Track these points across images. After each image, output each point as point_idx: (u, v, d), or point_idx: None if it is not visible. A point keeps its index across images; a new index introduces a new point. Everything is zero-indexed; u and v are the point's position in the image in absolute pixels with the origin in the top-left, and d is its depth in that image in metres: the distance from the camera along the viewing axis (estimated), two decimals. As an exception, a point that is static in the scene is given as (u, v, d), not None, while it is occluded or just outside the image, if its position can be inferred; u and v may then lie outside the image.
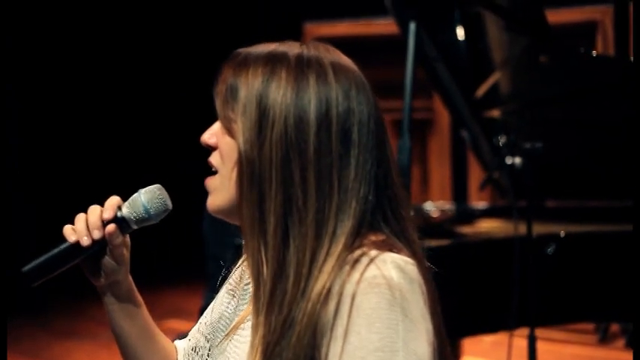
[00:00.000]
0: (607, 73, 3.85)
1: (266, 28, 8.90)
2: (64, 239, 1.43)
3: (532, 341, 3.41)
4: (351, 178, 1.31)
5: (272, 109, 1.31)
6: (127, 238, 1.48)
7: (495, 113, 4.60)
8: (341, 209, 1.30)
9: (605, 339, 6.60)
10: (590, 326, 6.63)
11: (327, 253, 1.28)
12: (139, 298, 1.56)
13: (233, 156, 1.36)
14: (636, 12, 2.88)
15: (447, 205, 5.93)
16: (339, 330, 1.24)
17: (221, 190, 1.39)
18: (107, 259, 1.46)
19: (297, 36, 8.75)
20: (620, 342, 6.55)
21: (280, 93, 1.32)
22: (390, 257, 1.28)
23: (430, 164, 8.72)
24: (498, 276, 3.44)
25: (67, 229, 1.43)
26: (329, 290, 1.26)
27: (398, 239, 1.35)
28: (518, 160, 3.57)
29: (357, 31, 8.40)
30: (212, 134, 1.41)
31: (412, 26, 3.72)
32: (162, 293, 8.70)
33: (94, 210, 1.44)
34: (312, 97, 1.32)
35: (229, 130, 1.37)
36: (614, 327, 6.72)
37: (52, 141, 9.02)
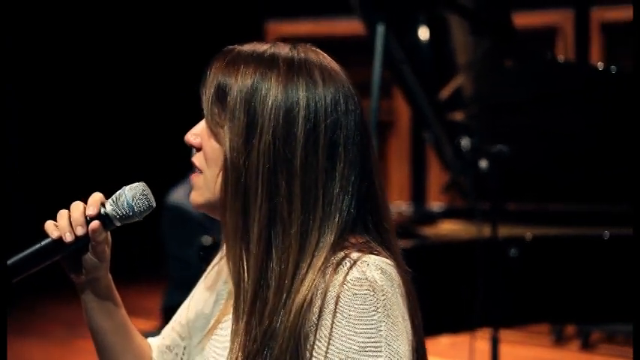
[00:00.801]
0: (572, 79, 3.89)
1: (227, 27, 8.87)
2: (45, 235, 1.40)
3: (495, 342, 3.44)
4: (336, 191, 1.32)
5: (260, 119, 1.31)
6: (109, 235, 1.46)
7: (459, 116, 4.62)
8: (324, 222, 1.31)
9: (560, 341, 6.67)
10: (546, 328, 6.69)
11: (309, 266, 1.29)
12: (117, 295, 1.54)
13: (217, 160, 1.35)
14: (636, 13, 2.89)
15: (404, 207, 5.95)
16: (324, 331, 1.25)
17: (205, 190, 1.38)
18: (88, 256, 1.43)
19: (258, 35, 8.74)
20: (576, 344, 6.62)
21: (269, 103, 1.31)
22: (372, 259, 1.29)
23: (389, 165, 8.75)
24: (462, 277, 3.46)
25: (49, 225, 1.40)
26: (312, 297, 1.27)
27: (377, 244, 1.35)
28: (484, 162, 3.59)
29: (319, 30, 8.41)
30: (196, 135, 1.40)
31: (380, 29, 3.72)
32: (119, 292, 8.66)
33: (77, 206, 1.41)
34: (301, 109, 1.31)
35: (215, 133, 1.36)
36: (570, 329, 6.78)
37: (52, 141, 9.00)
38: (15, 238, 7.84)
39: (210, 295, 1.56)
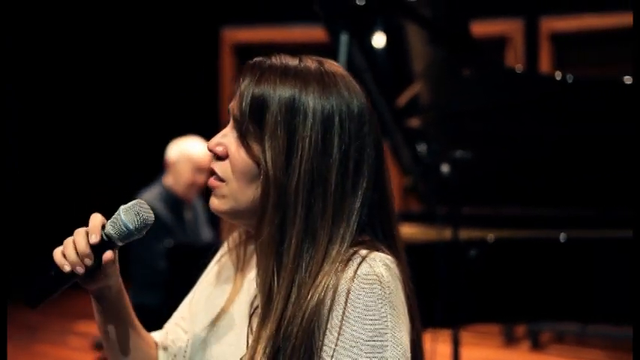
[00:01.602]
0: (529, 88, 4.01)
1: (183, 33, 8.91)
2: (55, 264, 1.47)
3: (456, 343, 3.55)
4: (357, 205, 1.42)
5: (301, 138, 1.39)
6: (116, 253, 1.52)
7: (415, 122, 4.73)
8: (346, 234, 1.41)
9: (510, 341, 6.82)
10: (496, 329, 6.83)
11: (327, 273, 1.39)
12: (127, 297, 1.62)
13: (248, 173, 1.42)
14: (636, 16, 3.00)
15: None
16: (335, 322, 1.35)
17: (229, 200, 1.46)
18: (100, 273, 1.51)
19: (214, 41, 8.79)
20: (526, 344, 6.78)
21: (309, 123, 1.39)
22: (379, 256, 1.40)
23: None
24: (422, 280, 3.55)
25: (59, 257, 1.47)
26: (324, 295, 1.37)
27: (381, 244, 1.46)
28: (445, 167, 3.70)
29: (275, 36, 8.48)
30: (221, 144, 1.46)
31: (344, 37, 3.81)
32: (71, 296, 8.63)
33: (81, 236, 1.47)
34: (336, 132, 1.40)
35: (248, 146, 1.42)
36: (520, 330, 6.94)
37: (51, 141, 8.99)
38: (15, 238, 7.85)
39: (212, 291, 1.64)
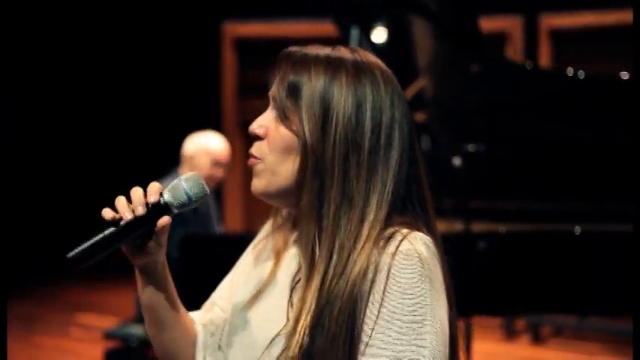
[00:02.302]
0: (538, 85, 4.04)
1: (184, 28, 8.94)
2: (104, 224, 1.48)
3: (468, 333, 3.60)
4: (391, 174, 1.51)
5: (335, 110, 1.49)
6: (167, 218, 1.55)
7: (420, 117, 4.77)
8: (380, 202, 1.49)
9: (511, 335, 6.87)
10: (496, 322, 6.88)
11: (366, 239, 1.46)
12: (169, 273, 1.66)
13: (285, 147, 1.52)
14: (636, 17, 3.04)
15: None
16: (376, 296, 1.42)
17: (265, 177, 1.54)
18: (152, 243, 1.55)
19: (215, 35, 8.82)
20: (526, 338, 6.84)
21: (342, 97, 1.50)
22: (419, 235, 1.47)
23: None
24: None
25: (108, 211, 1.49)
26: (366, 268, 1.44)
27: (421, 224, 1.53)
28: (457, 160, 3.75)
29: (274, 31, 8.51)
30: (261, 126, 1.55)
31: (355, 32, 3.86)
32: (70, 288, 8.67)
33: (137, 190, 1.52)
34: (367, 105, 1.50)
35: (286, 123, 1.52)
36: (520, 323, 6.99)
37: (51, 141, 9.03)
38: (15, 238, 7.88)
39: (250, 272, 1.69)
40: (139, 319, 4.70)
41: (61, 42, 8.95)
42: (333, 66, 1.51)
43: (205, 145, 4.92)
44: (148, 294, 1.64)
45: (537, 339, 6.72)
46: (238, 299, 1.66)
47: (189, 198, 1.53)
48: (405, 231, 1.47)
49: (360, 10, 4.09)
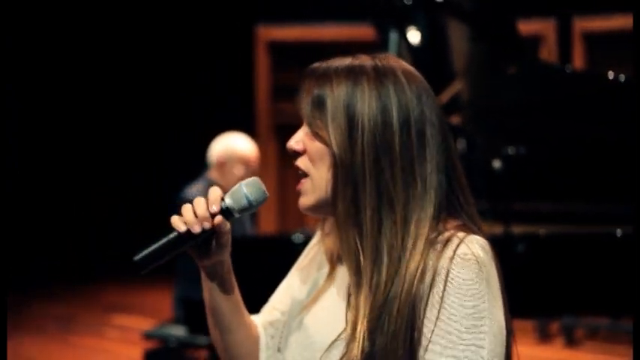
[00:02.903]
0: (576, 87, 4.06)
1: (217, 31, 8.99)
2: (171, 229, 1.56)
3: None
4: (428, 171, 1.52)
5: (360, 117, 1.51)
6: (228, 224, 1.61)
7: (455, 119, 4.79)
8: (423, 199, 1.51)
9: (544, 338, 6.86)
10: (530, 325, 6.87)
11: (416, 237, 1.49)
12: (234, 277, 1.70)
13: (322, 159, 1.54)
14: (636, 19, 3.07)
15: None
16: (435, 298, 1.45)
17: (313, 192, 1.57)
18: (214, 245, 1.61)
19: (248, 38, 8.88)
20: (560, 340, 6.83)
21: (366, 102, 1.51)
22: (475, 239, 1.50)
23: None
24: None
25: (176, 220, 1.56)
26: (423, 268, 1.46)
27: (473, 226, 1.55)
28: (497, 163, 3.76)
29: (308, 35, 8.55)
30: (298, 141, 1.59)
31: (393, 35, 3.89)
32: (102, 289, 8.75)
33: (201, 202, 1.58)
34: (393, 105, 1.51)
35: (318, 136, 1.55)
36: (554, 326, 6.98)
37: (51, 141, 9.09)
38: (16, 238, 7.93)
39: (307, 276, 1.73)
40: (178, 320, 4.75)
41: (64, 43, 8.97)
42: (354, 74, 1.53)
43: (235, 148, 4.90)
44: (213, 296, 1.68)
45: (571, 341, 6.71)
46: (296, 303, 1.70)
47: (249, 202, 1.59)
48: (461, 234, 1.49)
49: (398, 13, 4.12)
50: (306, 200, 1.58)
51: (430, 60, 4.73)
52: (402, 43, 4.18)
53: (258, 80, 8.97)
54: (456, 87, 4.76)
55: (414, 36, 4.50)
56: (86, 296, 8.51)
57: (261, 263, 3.13)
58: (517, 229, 3.82)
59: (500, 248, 3.59)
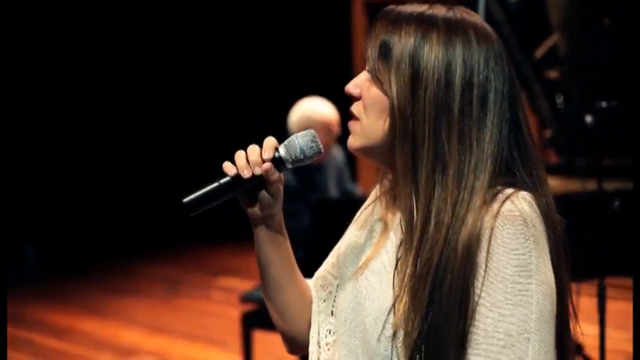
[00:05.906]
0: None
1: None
2: (223, 174, 1.56)
3: (602, 295, 3.54)
4: (487, 138, 1.47)
5: (425, 71, 1.46)
6: (282, 175, 1.61)
7: (553, 74, 4.69)
8: (478, 166, 1.46)
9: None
10: (629, 282, 6.67)
11: (468, 204, 1.44)
12: (285, 231, 1.69)
13: (377, 108, 1.50)
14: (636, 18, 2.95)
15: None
16: (481, 258, 1.41)
17: (362, 135, 1.54)
18: (264, 194, 1.60)
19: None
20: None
21: (432, 57, 1.46)
22: (522, 194, 1.45)
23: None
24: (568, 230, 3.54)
25: (227, 165, 1.57)
26: (472, 231, 1.42)
27: (526, 186, 1.49)
28: (589, 118, 3.66)
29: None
30: (356, 85, 1.54)
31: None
32: (211, 252, 8.88)
33: (254, 149, 1.57)
34: (458, 65, 1.46)
35: (378, 84, 1.51)
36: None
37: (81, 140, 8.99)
38: (124, 201, 8.04)
39: (362, 231, 1.69)
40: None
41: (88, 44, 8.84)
42: (424, 25, 1.48)
43: (315, 114, 4.68)
44: (263, 249, 1.68)
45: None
46: (347, 266, 1.67)
47: (303, 153, 1.58)
48: (508, 191, 1.45)
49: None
50: (354, 141, 1.56)
51: (525, 14, 4.64)
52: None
53: (356, 41, 8.91)
54: (552, 41, 4.65)
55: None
56: (194, 259, 8.66)
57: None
58: (615, 185, 3.73)
59: (596, 205, 3.54)
